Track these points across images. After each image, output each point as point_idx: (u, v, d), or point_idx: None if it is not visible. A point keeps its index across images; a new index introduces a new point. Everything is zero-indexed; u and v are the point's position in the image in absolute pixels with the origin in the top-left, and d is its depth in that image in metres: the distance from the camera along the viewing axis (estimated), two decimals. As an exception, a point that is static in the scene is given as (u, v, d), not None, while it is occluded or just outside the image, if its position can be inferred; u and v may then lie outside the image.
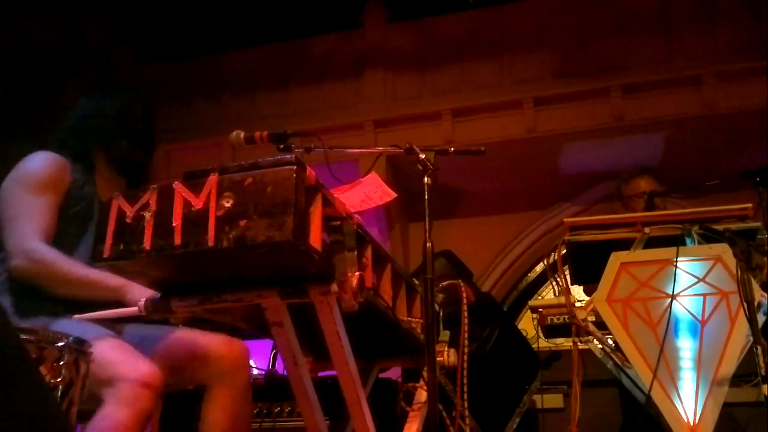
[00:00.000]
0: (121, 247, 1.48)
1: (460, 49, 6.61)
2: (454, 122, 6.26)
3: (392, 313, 1.95)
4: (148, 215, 1.48)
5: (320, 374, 2.41)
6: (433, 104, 6.41)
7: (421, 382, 2.18)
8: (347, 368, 1.70)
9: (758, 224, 2.92)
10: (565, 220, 3.30)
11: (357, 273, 1.56)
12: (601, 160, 6.38)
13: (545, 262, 3.22)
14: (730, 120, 5.83)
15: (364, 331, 1.95)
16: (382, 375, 2.86)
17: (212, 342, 2.11)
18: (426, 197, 2.18)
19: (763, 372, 2.15)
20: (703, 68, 5.89)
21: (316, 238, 1.48)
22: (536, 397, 4.09)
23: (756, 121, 5.77)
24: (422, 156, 2.21)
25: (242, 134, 2.36)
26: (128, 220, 1.49)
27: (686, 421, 2.60)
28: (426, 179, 2.19)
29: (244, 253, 1.43)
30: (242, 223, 1.42)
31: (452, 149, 2.35)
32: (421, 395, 2.18)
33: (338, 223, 1.60)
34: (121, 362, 1.81)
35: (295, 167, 1.45)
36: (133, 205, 1.50)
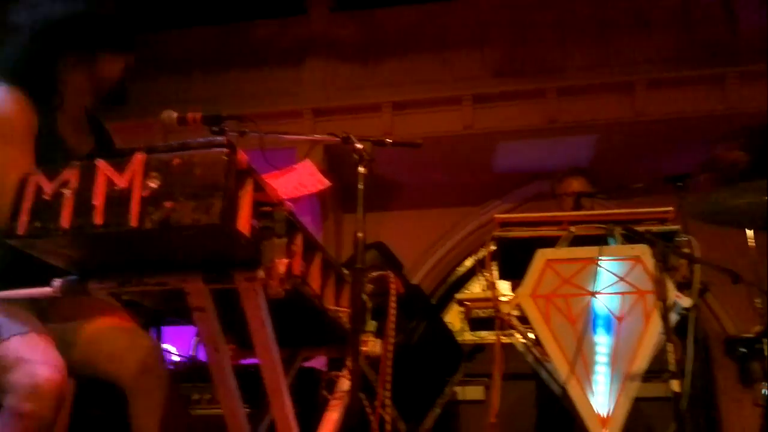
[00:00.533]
0: (37, 224, 1.42)
1: (403, 43, 6.64)
2: (394, 115, 6.30)
3: (319, 301, 1.94)
4: (67, 193, 1.42)
5: (243, 362, 2.38)
6: (373, 96, 6.42)
7: (344, 371, 2.18)
8: (270, 356, 1.69)
9: (677, 227, 3.04)
10: (495, 216, 3.37)
11: (285, 260, 1.55)
12: (534, 159, 6.55)
13: (475, 257, 3.27)
14: (658, 126, 6.08)
15: (289, 319, 1.93)
16: (307, 364, 2.86)
17: (119, 345, 1.96)
18: (360, 187, 2.17)
19: (672, 368, 2.25)
20: (635, 75, 6.10)
21: (244, 223, 1.46)
22: (458, 389, 4.15)
23: (682, 128, 6.04)
24: (359, 146, 2.21)
25: (174, 114, 2.28)
26: (46, 197, 1.43)
27: (598, 413, 2.70)
28: (361, 169, 2.19)
29: (169, 235, 1.40)
30: (168, 204, 1.38)
31: (389, 140, 2.36)
32: (344, 384, 2.19)
33: (269, 209, 1.58)
34: (23, 362, 1.67)
35: (226, 150, 1.42)
36: (52, 182, 1.44)
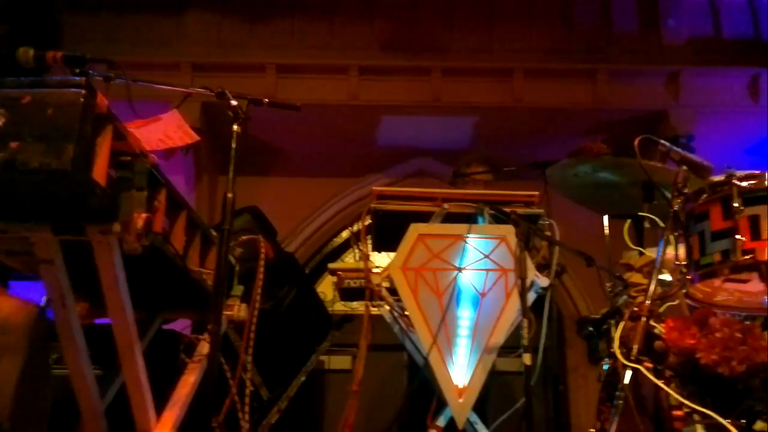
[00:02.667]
0: None
1: (293, 5, 6.46)
2: (278, 77, 6.14)
3: (182, 262, 1.86)
4: None
5: (97, 321, 2.24)
6: (258, 55, 6.21)
7: (205, 334, 2.11)
8: (123, 316, 1.60)
9: (541, 211, 3.19)
10: (373, 188, 3.38)
11: (144, 215, 1.46)
12: (416, 136, 6.64)
13: (351, 229, 3.28)
14: (534, 114, 6.33)
15: (148, 279, 1.84)
16: (172, 327, 2.75)
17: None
18: (233, 146, 2.09)
19: (525, 342, 2.36)
20: (515, 63, 6.31)
21: (100, 172, 1.36)
22: (326, 359, 4.18)
23: (555, 118, 6.34)
24: (234, 102, 2.11)
25: (31, 52, 2.07)
26: None
27: (456, 384, 2.81)
28: (235, 127, 2.10)
29: (14, 178, 1.28)
30: (14, 144, 1.27)
31: (266, 100, 2.28)
32: (204, 347, 2.12)
33: (129, 159, 1.48)
34: None
35: (83, 91, 1.31)
36: None
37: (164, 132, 1.93)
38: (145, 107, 2.17)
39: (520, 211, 3.06)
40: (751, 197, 1.68)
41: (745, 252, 1.62)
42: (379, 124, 6.47)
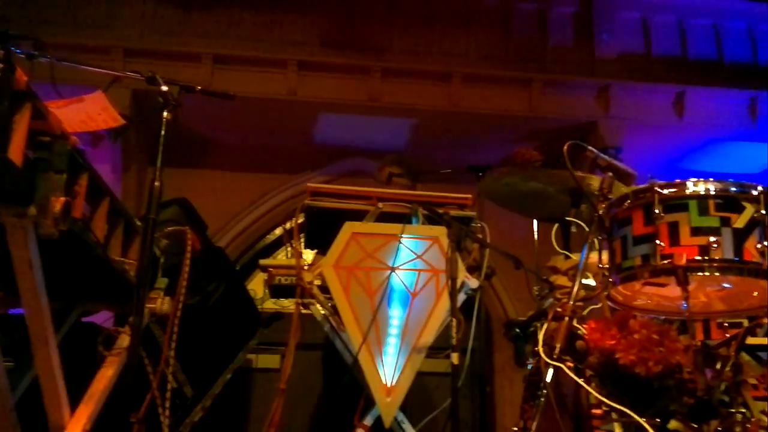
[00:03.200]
0: None
1: (232, -5, 6.35)
2: (214, 68, 6.00)
3: (103, 250, 1.78)
4: None
5: (11, 312, 2.13)
6: (194, 45, 6.06)
7: (126, 327, 2.03)
8: (37, 303, 1.52)
9: (474, 213, 3.23)
10: (308, 185, 3.34)
11: (63, 198, 1.39)
12: (353, 135, 6.62)
13: (284, 227, 3.23)
14: (470, 119, 6.41)
15: (66, 267, 1.76)
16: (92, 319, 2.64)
17: None
18: (162, 133, 2.02)
19: (454, 342, 2.38)
20: (453, 67, 6.38)
21: (16, 151, 1.29)
22: (254, 357, 4.10)
23: (490, 124, 6.44)
24: (165, 88, 2.05)
25: (-53, 24, 1.94)
26: None
27: (384, 382, 2.81)
28: (165, 114, 2.03)
29: None
30: None
31: (200, 87, 2.21)
32: (124, 340, 2.04)
33: (48, 139, 1.41)
34: None
35: (0, 65, 1.23)
36: None
37: (87, 113, 1.84)
38: (72, 92, 2.07)
39: (454, 213, 3.11)
40: (671, 205, 1.74)
41: (663, 257, 1.68)
42: (316, 121, 6.43)
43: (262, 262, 3.35)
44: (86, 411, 1.85)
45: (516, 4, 6.86)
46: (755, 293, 1.86)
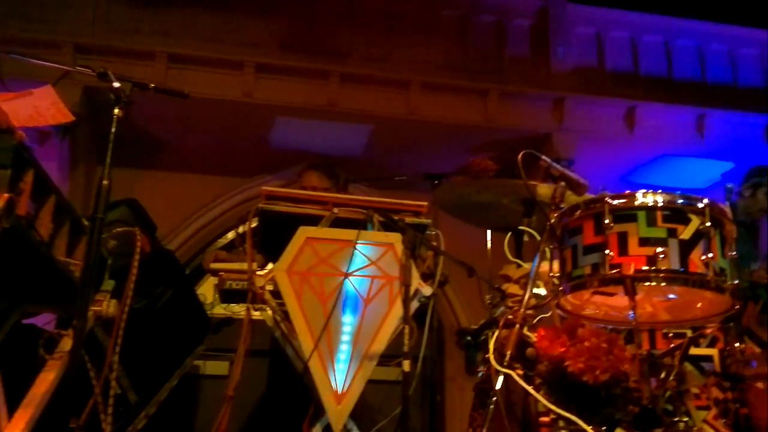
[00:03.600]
0: None
1: (189, -6, 6.25)
2: (169, 67, 5.90)
3: (47, 249, 1.72)
4: None
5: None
6: (149, 43, 5.95)
7: (69, 330, 1.96)
8: (-28, 304, 1.45)
9: (429, 221, 3.24)
10: (263, 188, 3.30)
11: (6, 195, 1.34)
12: (311, 139, 6.59)
13: (237, 230, 3.18)
14: (427, 127, 6.45)
15: (7, 267, 1.69)
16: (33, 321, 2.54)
17: None
18: (112, 130, 1.96)
19: (406, 349, 2.37)
20: (412, 75, 6.42)
21: (-46, 144, 1.23)
22: (201, 364, 4.02)
23: (447, 132, 6.50)
24: (117, 84, 1.99)
25: None
26: None
27: (335, 389, 2.78)
28: (116, 111, 1.98)
29: None
30: None
31: (153, 85, 2.16)
32: (66, 344, 1.97)
33: (-10, 133, 1.35)
34: None
35: (-63, 54, 1.17)
36: None
37: (35, 108, 1.78)
38: (20, 86, 2.00)
39: (409, 220, 3.10)
40: (620, 215, 1.77)
41: (612, 266, 1.71)
42: (273, 124, 6.37)
43: (214, 266, 3.29)
44: (25, 416, 1.78)
45: (475, 15, 6.95)
46: (699, 304, 1.90)
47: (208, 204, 6.79)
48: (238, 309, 3.30)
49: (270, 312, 3.11)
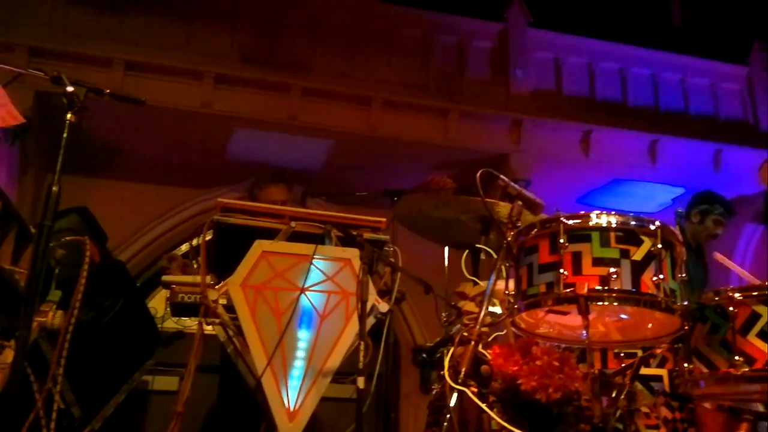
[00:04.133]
0: None
1: (151, 0, 6.16)
2: (126, 75, 5.78)
3: (-11, 257, 1.65)
4: None
5: None
6: (106, 49, 5.82)
7: (12, 341, 1.89)
8: None
9: (387, 237, 3.23)
10: (218, 200, 3.24)
11: (-57, 199, 1.27)
12: (269, 153, 6.53)
13: (191, 243, 3.12)
14: (388, 144, 6.47)
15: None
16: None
17: None
18: (64, 135, 1.91)
19: (361, 366, 2.35)
20: (374, 92, 6.44)
21: None
22: (150, 379, 3.93)
23: (408, 150, 6.52)
24: (70, 89, 1.94)
25: None
26: None
27: (287, 407, 2.73)
28: (69, 116, 1.92)
29: None
30: None
31: (108, 91, 2.11)
32: (8, 355, 1.89)
33: (-70, 133, 1.29)
34: None
35: None
36: None
37: (-19, 109, 1.72)
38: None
39: (367, 235, 3.09)
40: (575, 235, 1.80)
41: (566, 285, 1.72)
42: (231, 136, 6.30)
43: (165, 278, 3.21)
44: (-42, 432, 1.69)
45: (437, 36, 7.03)
46: (650, 325, 1.94)
47: (162, 215, 6.65)
48: (190, 323, 3.24)
49: (222, 327, 3.05)
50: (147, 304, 4.08)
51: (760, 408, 1.96)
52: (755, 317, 1.76)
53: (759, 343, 1.73)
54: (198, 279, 2.99)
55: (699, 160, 7.18)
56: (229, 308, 2.94)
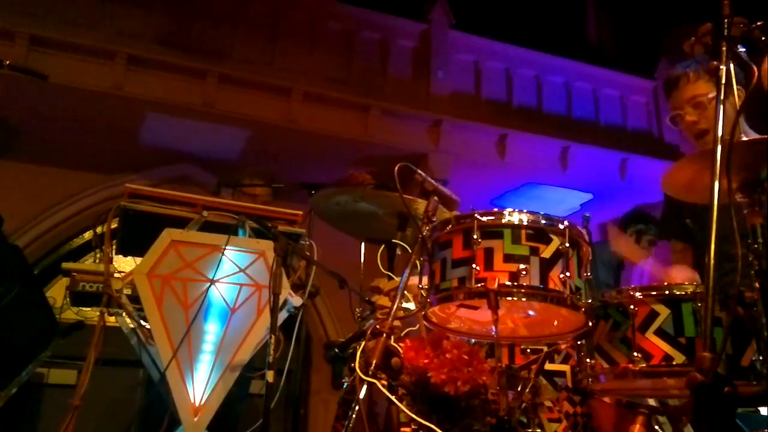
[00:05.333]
0: None
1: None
2: (30, 49, 5.44)
3: None
4: None
5: None
6: (9, 22, 5.46)
7: None
8: None
9: (303, 230, 3.19)
10: (126, 185, 3.12)
11: None
12: (183, 140, 6.33)
13: (96, 230, 2.99)
14: (307, 137, 6.40)
15: None
16: None
17: None
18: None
19: (271, 360, 2.31)
20: (294, 83, 6.35)
21: None
22: (46, 372, 3.73)
23: (328, 145, 6.48)
24: (-38, 58, 1.79)
25: None
26: None
27: (193, 401, 2.65)
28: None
29: None
30: None
31: (8, 62, 1.97)
32: None
33: None
34: None
35: None
36: None
37: None
38: None
39: (282, 228, 3.05)
40: (488, 231, 1.82)
41: (478, 280, 1.75)
42: (143, 120, 6.06)
43: (66, 265, 3.06)
44: None
45: (360, 31, 7.02)
46: (555, 322, 1.99)
47: (65, 200, 6.30)
48: (92, 314, 3.11)
49: (126, 317, 2.93)
50: (44, 293, 3.87)
51: (653, 402, 2.05)
52: (654, 315, 1.83)
53: (656, 340, 1.80)
54: (101, 267, 2.87)
55: (607, 167, 7.50)
56: (135, 299, 2.84)
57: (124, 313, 2.91)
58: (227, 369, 2.78)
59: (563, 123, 7.67)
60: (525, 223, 1.83)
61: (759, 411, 2.02)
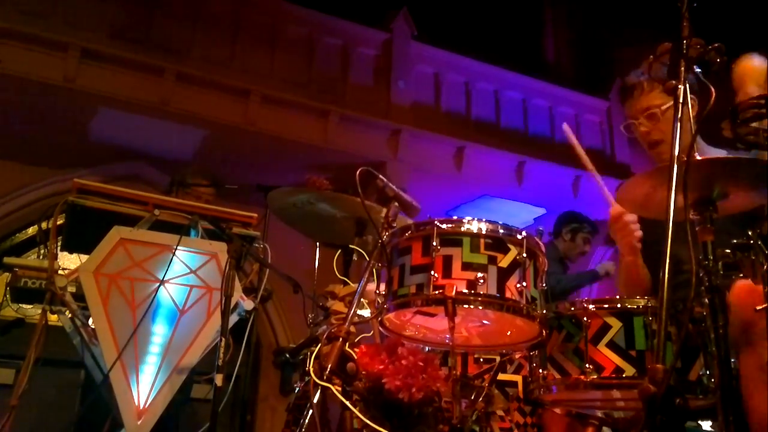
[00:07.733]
0: None
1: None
2: (-15, 41, 5.25)
3: None
4: None
5: None
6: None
7: None
8: None
9: (258, 233, 3.14)
10: (75, 180, 3.03)
11: None
12: (136, 137, 6.18)
13: (41, 225, 2.89)
14: (265, 140, 6.32)
15: None
16: None
17: None
18: None
19: (220, 363, 2.27)
20: (254, 85, 6.28)
21: None
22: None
23: (286, 148, 6.41)
24: None
25: None
26: None
27: (137, 404, 2.58)
28: None
29: None
30: None
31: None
32: None
33: None
34: None
35: None
36: None
37: None
38: None
39: (237, 230, 2.99)
40: (447, 239, 1.82)
41: (436, 287, 1.74)
42: (95, 115, 5.88)
43: (8, 260, 2.95)
44: None
45: (322, 36, 7.00)
46: (509, 332, 2.00)
47: (9, 194, 6.07)
48: (33, 311, 2.99)
49: (69, 315, 2.83)
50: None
51: (602, 414, 2.08)
52: (606, 328, 1.85)
53: (608, 353, 1.83)
54: (45, 264, 2.78)
55: (560, 183, 7.63)
56: (79, 297, 2.75)
57: (67, 312, 2.81)
58: (174, 371, 2.72)
59: (520, 138, 7.78)
60: (484, 232, 1.84)
61: (701, 426, 2.07)
